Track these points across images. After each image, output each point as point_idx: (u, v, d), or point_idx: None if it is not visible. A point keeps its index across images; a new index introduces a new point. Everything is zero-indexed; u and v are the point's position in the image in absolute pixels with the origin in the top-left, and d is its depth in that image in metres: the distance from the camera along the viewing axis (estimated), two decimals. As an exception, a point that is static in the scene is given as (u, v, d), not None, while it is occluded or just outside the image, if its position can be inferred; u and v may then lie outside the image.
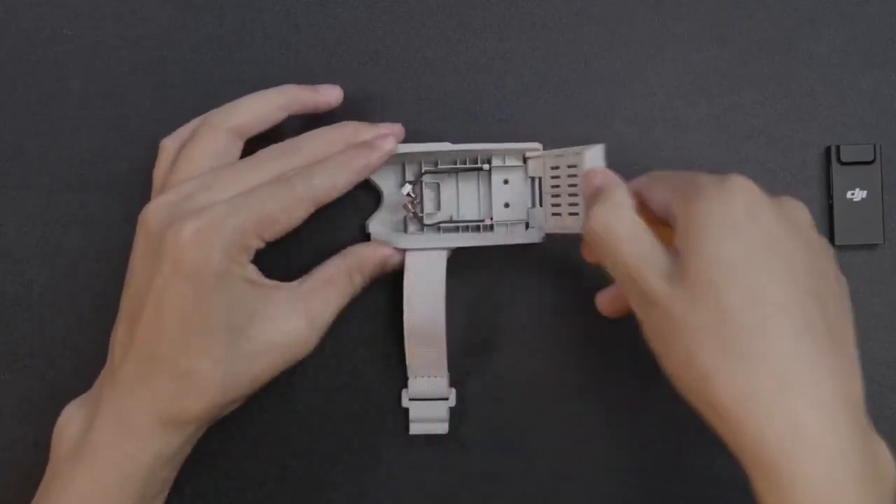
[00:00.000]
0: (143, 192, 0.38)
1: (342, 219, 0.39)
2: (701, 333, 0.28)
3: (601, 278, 0.39)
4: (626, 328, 0.39)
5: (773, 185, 0.39)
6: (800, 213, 0.31)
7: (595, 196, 0.32)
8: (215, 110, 0.35)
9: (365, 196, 0.39)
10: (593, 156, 0.34)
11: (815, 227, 0.32)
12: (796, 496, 0.26)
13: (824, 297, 0.29)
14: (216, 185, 0.32)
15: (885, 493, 0.28)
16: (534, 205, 0.39)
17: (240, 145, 0.35)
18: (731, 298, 0.28)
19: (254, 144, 0.35)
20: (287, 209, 0.32)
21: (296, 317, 0.33)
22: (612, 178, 0.33)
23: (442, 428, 0.38)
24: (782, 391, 0.27)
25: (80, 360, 0.39)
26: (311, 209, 0.33)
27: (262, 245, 0.32)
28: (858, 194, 0.39)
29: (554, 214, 0.37)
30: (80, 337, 0.39)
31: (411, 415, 0.38)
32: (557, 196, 0.37)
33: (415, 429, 0.38)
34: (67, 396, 0.38)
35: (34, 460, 0.38)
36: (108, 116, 0.39)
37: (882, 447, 0.29)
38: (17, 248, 0.39)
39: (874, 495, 0.27)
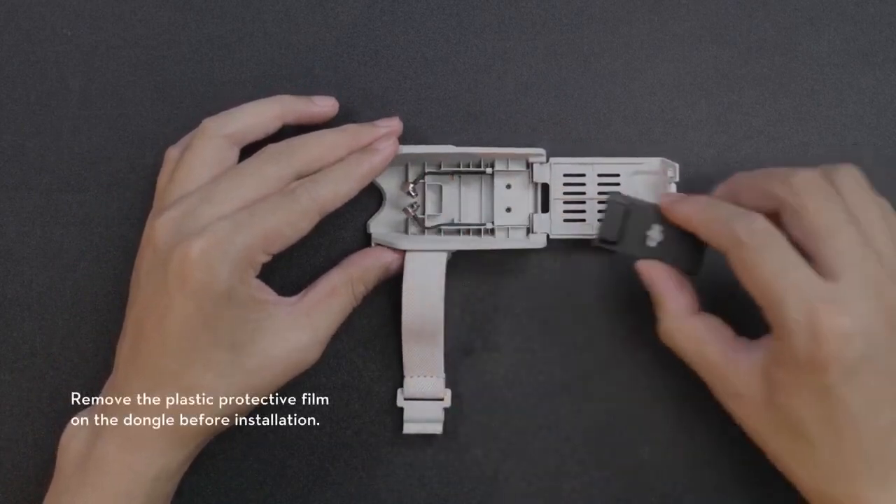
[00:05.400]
0: (143, 192, 0.39)
1: (343, 218, 0.39)
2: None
3: (600, 282, 0.39)
4: (624, 329, 0.39)
5: (773, 185, 0.39)
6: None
7: (655, 304, 0.35)
8: (211, 118, 0.35)
9: (366, 196, 0.39)
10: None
11: None
12: None
13: None
14: (217, 195, 0.32)
15: None
16: (536, 210, 0.39)
17: (236, 152, 0.35)
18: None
19: (249, 153, 0.35)
20: (293, 222, 0.32)
21: (299, 331, 0.34)
22: (663, 281, 0.35)
23: (436, 428, 0.38)
24: None
25: (80, 360, 0.39)
26: (317, 219, 0.33)
27: (268, 259, 0.32)
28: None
29: (566, 221, 0.38)
30: (80, 337, 0.39)
31: (406, 415, 0.38)
32: (572, 203, 0.38)
33: (409, 429, 0.38)
34: (67, 396, 0.38)
35: (34, 460, 0.38)
36: (108, 116, 0.39)
37: None
38: (17, 248, 0.39)
39: None
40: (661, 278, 0.35)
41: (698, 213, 0.34)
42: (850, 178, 0.32)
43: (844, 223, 0.30)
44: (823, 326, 0.29)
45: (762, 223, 0.31)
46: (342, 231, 0.39)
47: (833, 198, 0.31)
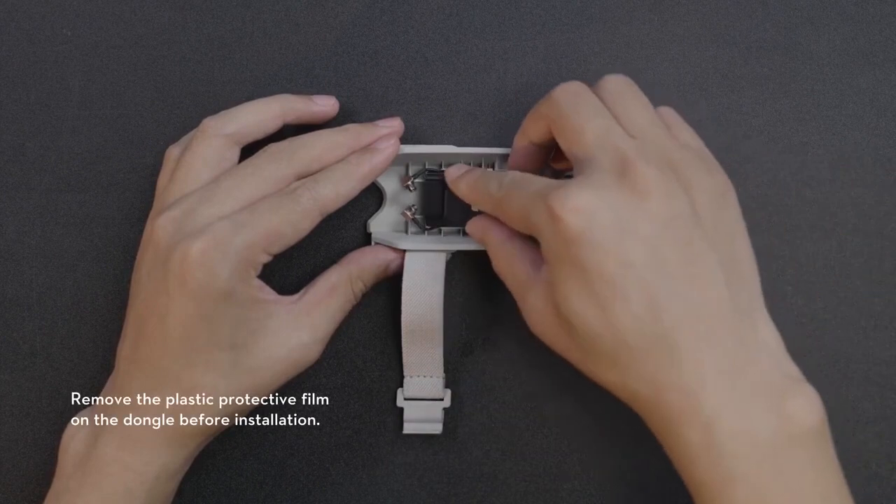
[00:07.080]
0: (143, 192, 0.39)
1: (343, 218, 0.39)
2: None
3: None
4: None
5: (773, 185, 0.39)
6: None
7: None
8: (211, 118, 0.35)
9: (367, 195, 0.39)
10: None
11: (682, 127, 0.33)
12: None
13: (683, 218, 0.29)
14: (218, 195, 0.32)
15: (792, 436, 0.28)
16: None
17: (237, 152, 0.35)
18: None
19: (249, 153, 0.35)
20: (293, 222, 0.32)
21: (299, 330, 0.34)
22: (481, 228, 0.35)
23: (436, 428, 0.38)
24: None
25: (81, 360, 0.39)
26: (318, 219, 0.33)
27: (269, 259, 0.32)
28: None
29: None
30: (80, 337, 0.39)
31: (406, 415, 0.38)
32: None
33: (409, 429, 0.38)
34: (67, 396, 0.38)
35: (34, 460, 0.38)
36: (108, 116, 0.39)
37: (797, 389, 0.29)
38: (17, 248, 0.39)
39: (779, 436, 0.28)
40: (479, 229, 0.36)
41: (468, 190, 0.36)
42: (613, 81, 0.32)
43: (592, 118, 0.31)
44: (557, 209, 0.29)
45: (510, 177, 0.32)
46: (342, 231, 0.39)
47: (583, 97, 0.31)
